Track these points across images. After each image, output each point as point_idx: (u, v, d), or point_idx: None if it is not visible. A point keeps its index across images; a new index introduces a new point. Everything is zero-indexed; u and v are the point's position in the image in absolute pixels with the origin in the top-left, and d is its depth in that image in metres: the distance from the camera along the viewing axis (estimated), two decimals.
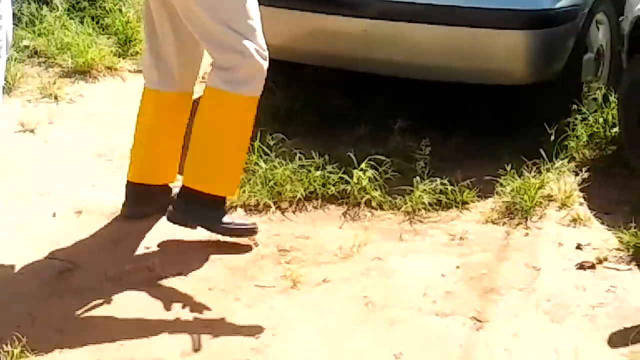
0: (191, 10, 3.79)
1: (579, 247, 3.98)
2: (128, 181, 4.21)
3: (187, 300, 3.61)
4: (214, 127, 3.90)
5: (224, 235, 3.99)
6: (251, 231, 4.05)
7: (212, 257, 3.92)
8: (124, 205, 4.23)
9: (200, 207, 3.93)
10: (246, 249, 3.99)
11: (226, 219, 4.01)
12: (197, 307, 3.57)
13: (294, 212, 4.28)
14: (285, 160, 4.48)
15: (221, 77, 3.85)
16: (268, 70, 3.88)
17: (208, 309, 3.57)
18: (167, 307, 3.58)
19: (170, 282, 3.75)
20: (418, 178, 4.38)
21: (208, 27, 3.80)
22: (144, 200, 4.19)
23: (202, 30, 3.83)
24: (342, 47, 4.98)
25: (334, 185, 4.40)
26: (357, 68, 5.12)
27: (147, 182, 4.18)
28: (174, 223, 4.02)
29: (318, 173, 4.43)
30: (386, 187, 4.39)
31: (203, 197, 3.92)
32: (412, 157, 4.60)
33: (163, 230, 4.10)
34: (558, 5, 4.76)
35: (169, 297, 3.64)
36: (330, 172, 4.44)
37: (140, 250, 3.99)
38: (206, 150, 3.91)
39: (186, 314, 3.53)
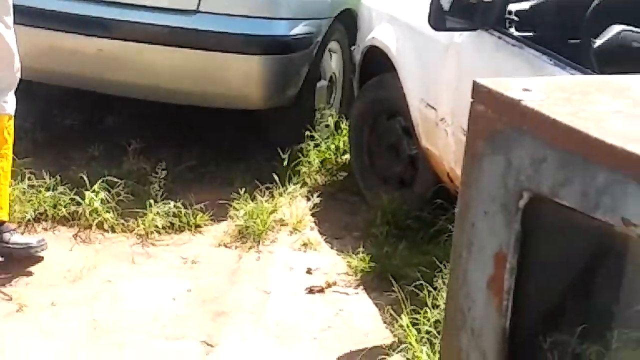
0: None
1: (309, 271, 4.06)
2: None
3: None
4: None
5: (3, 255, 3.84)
6: (37, 249, 3.93)
7: None
8: None
9: None
10: None
11: (7, 237, 3.85)
12: None
13: (22, 233, 4.12)
14: (14, 180, 4.30)
15: None
16: None
17: None
18: None
19: None
20: (152, 201, 4.35)
21: None
22: None
23: None
24: (77, 66, 4.88)
25: (65, 206, 4.30)
26: (92, 88, 5.02)
27: None
28: None
29: (49, 194, 4.33)
30: (119, 210, 4.33)
31: None
32: (146, 180, 4.57)
33: None
34: (292, 32, 4.84)
35: None
36: (62, 193, 4.34)
37: None
38: None
39: None
